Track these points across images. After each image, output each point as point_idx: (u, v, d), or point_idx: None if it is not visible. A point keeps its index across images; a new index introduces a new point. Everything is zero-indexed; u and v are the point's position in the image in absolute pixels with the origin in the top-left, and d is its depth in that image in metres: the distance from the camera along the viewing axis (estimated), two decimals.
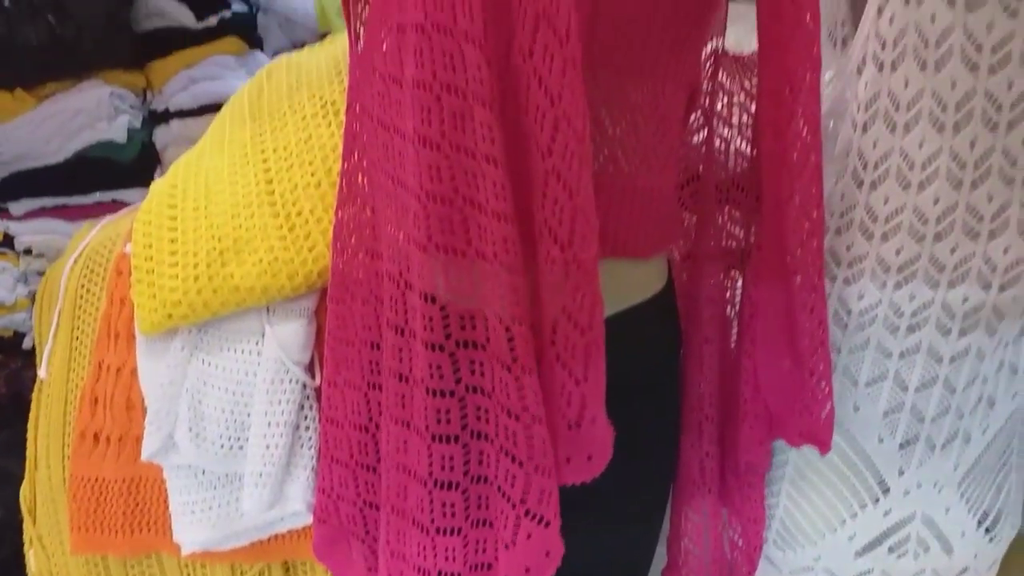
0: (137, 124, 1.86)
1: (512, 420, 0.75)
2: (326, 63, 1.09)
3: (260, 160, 1.02)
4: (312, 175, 0.99)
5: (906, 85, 0.86)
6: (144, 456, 0.99)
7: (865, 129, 0.90)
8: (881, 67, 0.87)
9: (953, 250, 0.92)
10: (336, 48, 1.13)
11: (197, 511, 1.00)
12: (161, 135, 1.91)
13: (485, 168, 0.70)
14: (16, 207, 1.83)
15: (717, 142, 0.97)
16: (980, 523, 1.04)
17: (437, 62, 0.69)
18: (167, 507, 1.02)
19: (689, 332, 1.02)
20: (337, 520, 0.94)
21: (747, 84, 0.95)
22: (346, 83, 0.94)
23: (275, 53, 2.20)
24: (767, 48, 0.85)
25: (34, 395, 1.14)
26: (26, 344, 1.86)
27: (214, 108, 1.90)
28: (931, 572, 1.04)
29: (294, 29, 2.20)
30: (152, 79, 1.91)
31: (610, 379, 0.81)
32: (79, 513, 1.04)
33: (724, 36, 0.93)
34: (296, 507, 0.98)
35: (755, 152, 0.93)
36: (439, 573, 0.79)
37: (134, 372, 0.98)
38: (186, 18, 1.88)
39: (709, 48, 0.92)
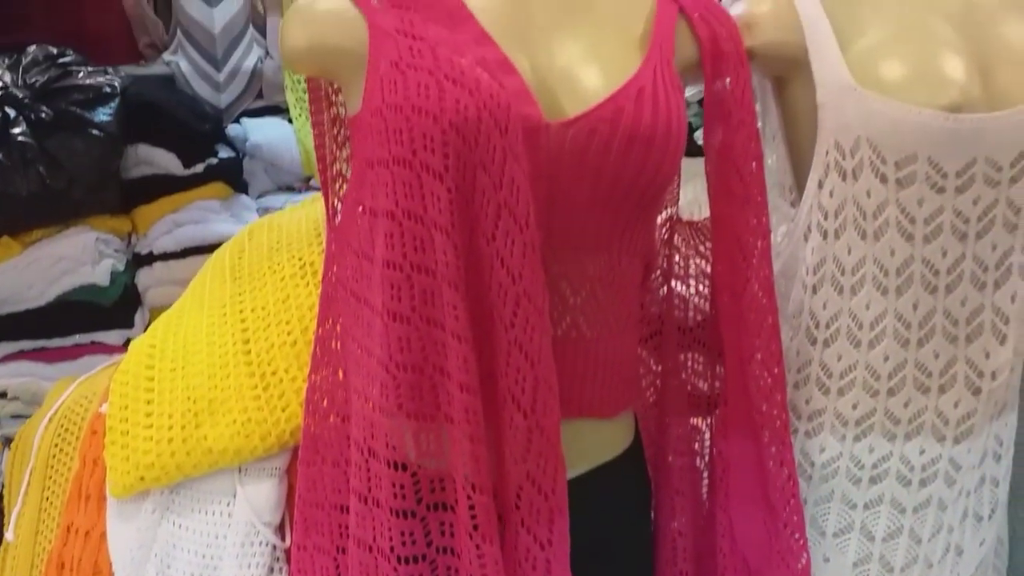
0: (121, 267, 1.89)
1: None
2: (307, 224, 1.14)
3: (238, 319, 1.05)
4: (288, 334, 1.02)
5: (849, 252, 0.92)
6: None
7: (815, 291, 0.96)
8: (825, 235, 0.93)
9: (906, 404, 0.96)
10: (317, 209, 1.18)
11: None
12: (144, 277, 1.94)
13: (451, 343, 0.74)
14: None
15: (676, 300, 1.02)
16: None
17: (408, 245, 0.74)
18: None
19: (660, 484, 1.03)
20: None
21: (702, 248, 1.00)
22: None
23: (260, 196, 2.27)
24: (719, 220, 0.92)
25: (0, 557, 1.12)
26: None
27: (197, 251, 1.95)
28: None
29: (279, 173, 2.28)
30: (137, 223, 1.95)
31: (580, 538, 0.82)
32: None
33: (678, 204, 1.00)
34: None
35: (713, 310, 0.98)
36: None
37: (103, 536, 0.97)
38: (174, 166, 1.94)
39: (664, 216, 0.99)
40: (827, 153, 0.90)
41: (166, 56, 2.26)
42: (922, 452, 0.97)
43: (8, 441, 1.18)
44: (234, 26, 2.28)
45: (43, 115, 1.69)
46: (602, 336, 0.86)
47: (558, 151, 0.76)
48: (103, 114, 1.76)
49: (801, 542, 0.96)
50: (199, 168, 1.98)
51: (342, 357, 0.90)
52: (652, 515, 1.02)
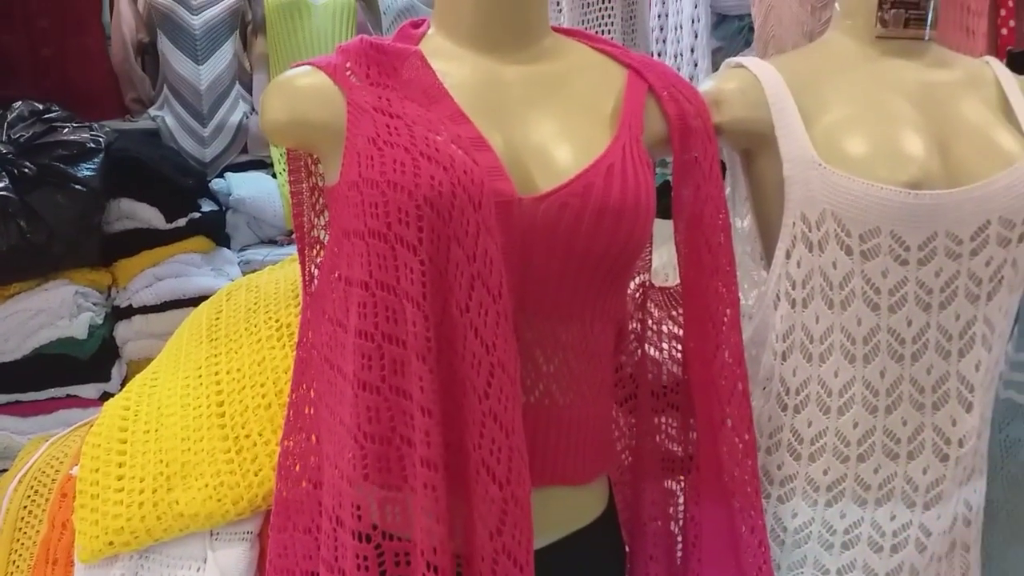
0: (99, 320, 1.89)
1: None
2: (284, 285, 1.15)
3: (213, 382, 1.05)
4: (263, 397, 1.02)
5: (817, 320, 0.94)
6: None
7: (784, 358, 0.97)
8: (793, 304, 0.95)
9: (876, 471, 0.97)
10: (295, 269, 1.19)
11: None
12: (122, 330, 1.94)
13: (416, 415, 0.75)
14: None
15: (649, 364, 1.03)
16: None
17: (380, 315, 0.75)
18: None
19: (634, 549, 1.03)
20: None
21: (674, 312, 1.02)
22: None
23: (243, 249, 2.29)
24: (689, 288, 0.93)
25: None
26: None
27: (177, 304, 1.95)
28: None
29: (262, 227, 2.30)
30: (118, 276, 1.97)
31: None
32: None
33: (650, 271, 1.02)
34: None
35: (685, 376, 0.99)
36: None
37: None
38: (156, 220, 1.96)
39: (636, 283, 1.00)
40: (794, 224, 0.92)
41: (152, 111, 2.29)
42: (893, 518, 0.98)
43: None
44: (220, 83, 2.32)
45: (26, 170, 1.70)
46: (575, 403, 0.87)
47: (531, 225, 0.78)
48: (86, 169, 1.78)
49: None
50: (181, 222, 2.00)
51: (315, 423, 0.90)
52: None
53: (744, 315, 1.02)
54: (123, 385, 1.85)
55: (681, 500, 1.05)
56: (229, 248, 2.17)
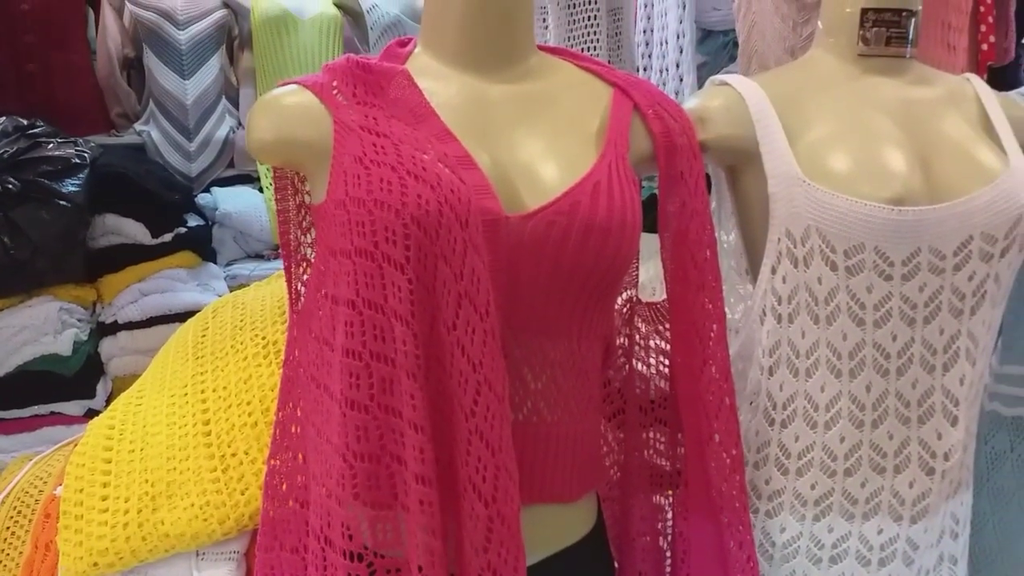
0: (84, 336, 1.87)
1: None
2: (271, 302, 1.15)
3: (199, 400, 1.05)
4: (249, 415, 1.02)
5: (803, 335, 0.95)
6: None
7: (771, 373, 0.98)
8: (779, 319, 0.96)
9: (863, 485, 0.97)
10: (281, 286, 1.18)
11: None
12: (107, 347, 1.92)
13: (408, 432, 0.74)
14: None
15: (637, 379, 1.03)
16: None
17: (368, 334, 0.75)
18: None
19: (623, 565, 1.03)
20: None
21: (662, 327, 1.02)
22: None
23: (229, 264, 2.27)
24: (676, 304, 0.94)
25: None
26: None
27: (163, 320, 1.94)
28: None
29: (248, 241, 2.29)
30: (103, 292, 1.94)
31: None
32: None
33: (637, 286, 1.02)
34: None
35: (673, 391, 0.99)
36: None
37: None
38: (142, 235, 1.94)
39: (623, 298, 1.01)
40: (779, 240, 0.93)
41: (138, 126, 2.28)
42: (880, 532, 0.98)
43: None
44: (207, 97, 2.31)
45: (10, 186, 1.69)
46: (563, 420, 0.87)
47: (518, 242, 0.78)
48: (71, 185, 1.76)
49: None
50: (167, 237, 1.98)
51: (301, 442, 0.89)
52: None
53: (731, 329, 1.02)
54: (108, 402, 1.84)
55: (670, 515, 1.05)
56: (215, 263, 2.16)
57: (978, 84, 1.04)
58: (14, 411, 1.82)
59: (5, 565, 1.05)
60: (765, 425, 0.99)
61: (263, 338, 1.09)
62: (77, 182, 1.78)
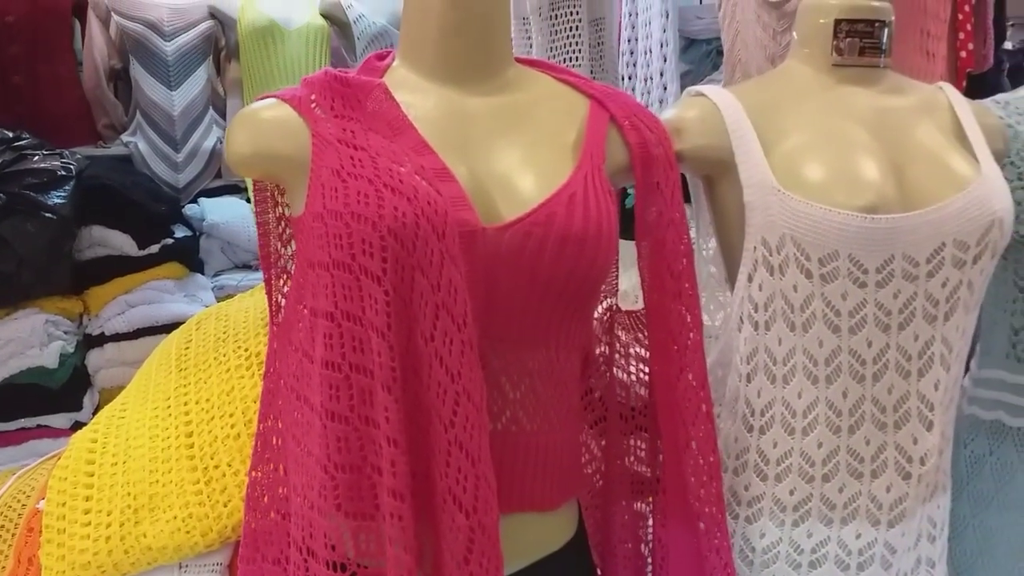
0: (71, 349, 1.87)
1: None
2: (254, 314, 1.15)
3: (182, 412, 1.05)
4: (232, 427, 1.02)
5: (780, 343, 0.96)
6: None
7: (749, 379, 0.99)
8: (756, 326, 0.97)
9: (841, 490, 0.98)
10: (264, 298, 1.19)
11: None
12: (94, 359, 1.92)
13: (383, 445, 0.75)
14: None
15: (618, 387, 1.04)
16: None
17: (347, 346, 0.76)
18: None
19: (606, 572, 1.04)
20: None
21: (641, 335, 1.03)
22: None
23: (216, 274, 2.28)
24: (653, 313, 0.95)
25: None
26: None
27: (149, 332, 1.94)
28: None
29: (236, 252, 2.29)
30: (89, 304, 1.95)
31: None
32: None
33: (617, 295, 1.03)
34: None
35: (652, 399, 1.00)
36: None
37: None
38: (128, 247, 1.95)
39: (604, 307, 1.02)
40: (755, 249, 0.94)
41: (125, 137, 2.28)
42: (858, 536, 0.99)
43: None
44: (193, 108, 2.32)
45: None
46: (542, 429, 0.88)
47: (495, 253, 0.79)
48: (56, 197, 1.77)
49: None
50: (154, 249, 1.99)
51: (282, 454, 0.90)
52: None
53: (711, 336, 1.03)
54: (95, 414, 1.84)
55: (650, 522, 1.06)
56: (203, 273, 2.16)
57: (951, 93, 1.06)
58: (0, 424, 1.82)
59: None
60: (744, 431, 1.00)
61: (246, 350, 1.10)
62: (63, 194, 1.78)
